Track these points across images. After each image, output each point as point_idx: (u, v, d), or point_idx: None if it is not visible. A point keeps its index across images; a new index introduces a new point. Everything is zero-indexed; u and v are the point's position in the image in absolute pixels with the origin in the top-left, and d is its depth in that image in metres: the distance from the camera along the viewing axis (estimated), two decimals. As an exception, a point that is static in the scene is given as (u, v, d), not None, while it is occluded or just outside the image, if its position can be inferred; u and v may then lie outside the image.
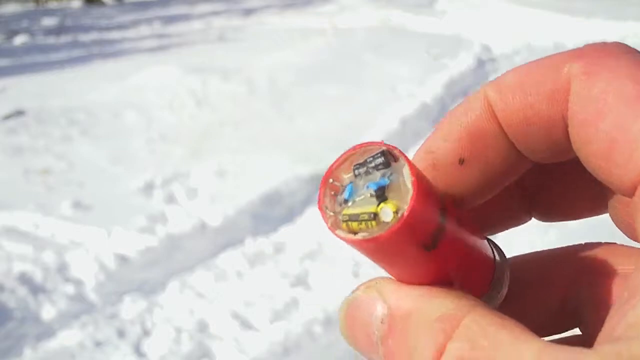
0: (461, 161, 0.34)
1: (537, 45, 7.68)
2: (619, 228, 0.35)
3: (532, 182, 0.39)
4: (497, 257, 0.37)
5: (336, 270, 3.09)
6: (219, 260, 3.31)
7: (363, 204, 0.30)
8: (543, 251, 0.39)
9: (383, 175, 0.30)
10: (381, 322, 0.31)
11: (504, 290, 0.36)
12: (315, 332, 2.66)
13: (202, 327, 2.77)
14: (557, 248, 0.39)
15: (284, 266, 3.18)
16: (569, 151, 0.32)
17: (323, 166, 4.23)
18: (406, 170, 0.29)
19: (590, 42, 0.33)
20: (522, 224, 0.41)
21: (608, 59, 0.30)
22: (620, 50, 0.30)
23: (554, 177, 0.38)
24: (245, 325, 2.76)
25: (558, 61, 0.31)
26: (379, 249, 0.29)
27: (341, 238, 0.30)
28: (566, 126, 0.31)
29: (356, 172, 0.31)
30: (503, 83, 0.33)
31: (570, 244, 0.38)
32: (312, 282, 3.04)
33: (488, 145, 0.33)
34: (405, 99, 5.55)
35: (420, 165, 0.34)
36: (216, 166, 4.40)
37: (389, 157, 0.30)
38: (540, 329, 0.35)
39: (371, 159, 0.30)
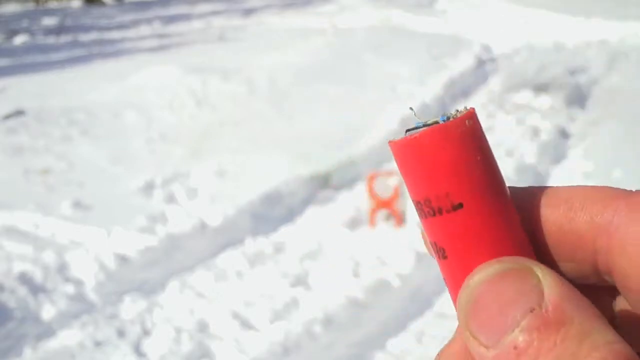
0: None
1: (537, 45, 7.68)
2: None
3: None
4: None
5: (336, 270, 3.09)
6: (219, 260, 3.31)
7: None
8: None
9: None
10: (530, 311, 0.28)
11: None
12: (315, 332, 2.66)
13: (202, 327, 2.77)
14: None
15: (284, 266, 3.18)
16: (590, 278, 0.33)
17: (323, 166, 4.24)
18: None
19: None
20: None
21: None
22: None
23: None
24: (245, 325, 2.76)
25: (608, 193, 0.32)
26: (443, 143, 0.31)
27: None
28: (595, 256, 0.32)
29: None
30: (554, 195, 0.33)
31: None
32: (312, 282, 3.04)
33: None
34: (405, 99, 5.55)
35: None
36: (216, 166, 4.40)
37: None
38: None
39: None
